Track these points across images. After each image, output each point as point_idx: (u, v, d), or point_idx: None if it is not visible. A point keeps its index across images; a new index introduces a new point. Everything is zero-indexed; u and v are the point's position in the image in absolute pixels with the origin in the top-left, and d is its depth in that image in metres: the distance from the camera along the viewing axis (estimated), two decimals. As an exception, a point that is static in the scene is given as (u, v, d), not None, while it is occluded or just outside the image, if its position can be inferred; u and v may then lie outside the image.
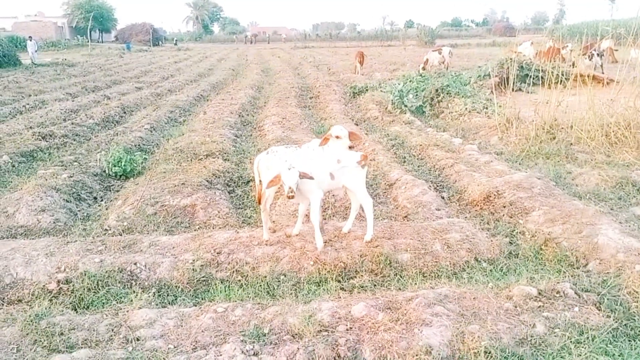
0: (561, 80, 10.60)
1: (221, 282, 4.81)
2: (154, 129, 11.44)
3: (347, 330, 3.76)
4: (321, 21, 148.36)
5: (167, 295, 4.71)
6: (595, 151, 8.72)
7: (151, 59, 35.28)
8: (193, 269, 4.91)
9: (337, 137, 5.32)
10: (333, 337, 3.66)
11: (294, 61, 33.35)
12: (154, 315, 4.08)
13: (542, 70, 13.39)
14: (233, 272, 4.93)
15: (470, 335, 3.55)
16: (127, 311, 4.16)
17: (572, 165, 8.07)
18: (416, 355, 3.44)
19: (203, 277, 4.89)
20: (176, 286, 4.82)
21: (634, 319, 4.00)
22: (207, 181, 7.22)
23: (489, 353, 3.42)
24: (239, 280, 4.85)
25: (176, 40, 70.61)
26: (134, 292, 4.64)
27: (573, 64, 14.45)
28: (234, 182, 7.74)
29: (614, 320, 3.93)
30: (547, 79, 10.70)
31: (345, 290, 4.60)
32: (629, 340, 3.73)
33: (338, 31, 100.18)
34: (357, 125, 12.12)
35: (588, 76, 10.72)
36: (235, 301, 4.33)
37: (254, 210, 6.59)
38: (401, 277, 4.90)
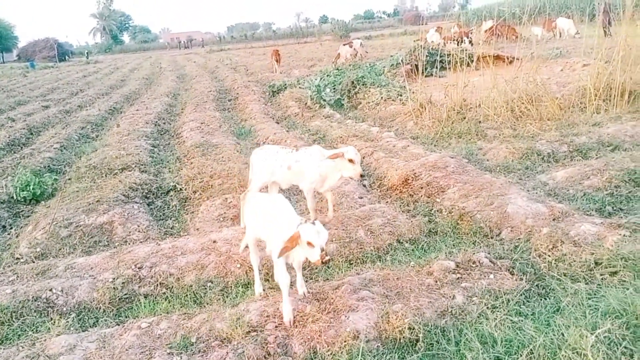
0: (467, 63, 11.12)
1: (145, 297, 4.66)
2: (64, 148, 10.87)
3: (276, 327, 3.75)
4: (235, 22, 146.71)
5: (88, 318, 4.49)
6: (502, 126, 9.22)
7: (58, 75, 33.41)
8: (114, 288, 4.72)
9: (350, 160, 5.08)
10: (262, 336, 3.65)
11: (210, 65, 32.77)
12: (73, 340, 3.88)
13: (447, 54, 13.93)
14: (157, 285, 4.78)
15: (395, 315, 3.65)
16: (45, 340, 3.93)
17: (482, 141, 8.49)
18: (344, 341, 3.49)
19: (125, 294, 4.71)
20: (97, 308, 4.61)
21: (543, 279, 4.28)
22: (124, 195, 6.96)
23: (413, 329, 3.53)
24: (164, 293, 4.72)
25: (88, 53, 67.01)
26: (51, 319, 4.39)
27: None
28: (153, 194, 7.50)
29: (526, 282, 4.19)
30: (453, 62, 11.17)
31: (273, 289, 4.58)
32: (540, 299, 3.98)
33: (253, 31, 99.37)
34: (278, 123, 12.11)
35: (489, 56, 11.28)
36: (161, 314, 4.21)
37: (175, 220, 6.43)
38: (328, 267, 4.95)
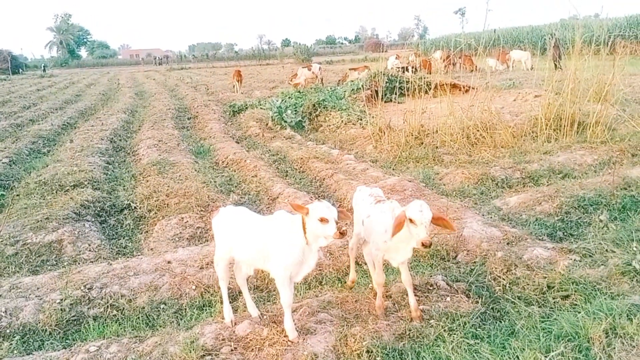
0: (425, 90, 11.40)
1: (94, 320, 4.46)
2: (13, 163, 10.42)
3: (231, 351, 3.65)
4: (197, 42, 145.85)
5: (33, 341, 4.27)
6: (458, 152, 9.45)
7: (10, 88, 32.16)
8: (61, 309, 4.50)
9: (410, 220, 3.61)
10: (217, 360, 3.54)
11: (170, 83, 32.37)
12: (15, 365, 3.67)
13: (407, 81, 14.26)
14: (107, 307, 4.59)
15: (353, 337, 3.62)
16: (-17, 366, 3.70)
17: (439, 166, 8.66)
18: (302, 365, 3.43)
19: (73, 316, 4.50)
20: (43, 330, 4.38)
21: (498, 302, 4.35)
22: (75, 213, 6.70)
23: (371, 352, 3.50)
24: (115, 315, 4.53)
25: (44, 66, 64.68)
26: (-8, 342, 4.14)
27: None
28: (106, 212, 7.25)
29: (481, 305, 4.24)
30: (412, 89, 11.43)
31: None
32: (495, 322, 4.03)
33: (215, 51, 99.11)
34: (238, 143, 12.03)
35: (446, 84, 11.61)
36: (110, 337, 4.03)
37: (129, 240, 6.23)
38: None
